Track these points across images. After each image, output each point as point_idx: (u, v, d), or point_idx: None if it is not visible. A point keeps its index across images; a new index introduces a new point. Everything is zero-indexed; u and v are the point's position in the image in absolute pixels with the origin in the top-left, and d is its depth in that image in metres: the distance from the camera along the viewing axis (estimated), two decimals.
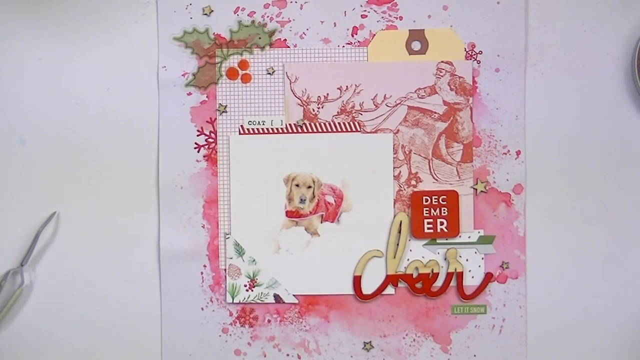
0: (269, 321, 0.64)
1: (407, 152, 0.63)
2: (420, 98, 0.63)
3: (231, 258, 0.63)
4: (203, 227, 0.63)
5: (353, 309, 0.63)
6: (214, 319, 0.64)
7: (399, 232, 0.62)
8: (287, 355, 0.64)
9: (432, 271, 0.63)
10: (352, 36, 0.63)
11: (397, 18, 0.62)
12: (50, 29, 0.63)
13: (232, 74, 0.63)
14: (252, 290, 0.63)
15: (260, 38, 0.63)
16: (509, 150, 0.63)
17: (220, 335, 0.64)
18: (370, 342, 0.64)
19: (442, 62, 0.62)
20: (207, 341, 0.64)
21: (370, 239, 0.63)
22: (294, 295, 0.63)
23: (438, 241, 0.63)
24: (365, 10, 0.62)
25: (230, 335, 0.64)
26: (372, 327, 0.64)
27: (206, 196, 0.63)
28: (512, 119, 0.63)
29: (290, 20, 0.63)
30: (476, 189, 0.63)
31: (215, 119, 0.63)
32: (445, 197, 0.62)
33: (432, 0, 0.62)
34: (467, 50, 0.63)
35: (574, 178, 0.63)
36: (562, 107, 0.63)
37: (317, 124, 0.63)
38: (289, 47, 0.63)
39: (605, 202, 0.63)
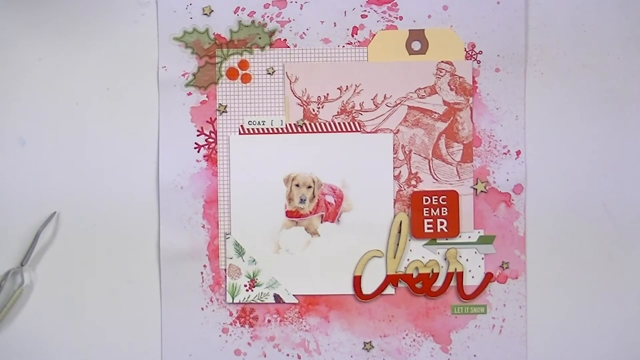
0: (269, 321, 0.64)
1: (407, 152, 0.63)
2: (420, 98, 0.63)
3: (231, 258, 0.63)
4: (203, 227, 0.63)
5: (353, 309, 0.64)
6: (214, 319, 0.64)
7: (399, 232, 0.62)
8: (287, 355, 0.64)
9: (432, 271, 0.63)
10: (352, 36, 0.63)
11: (397, 18, 0.62)
12: (50, 29, 0.63)
13: (232, 74, 0.63)
14: (252, 290, 0.63)
15: (260, 38, 0.63)
16: (509, 150, 0.63)
17: (220, 335, 0.64)
18: (370, 342, 0.64)
19: (442, 62, 0.62)
20: (207, 341, 0.64)
21: (370, 239, 0.63)
22: (294, 295, 0.63)
23: (438, 241, 0.63)
24: (365, 10, 0.62)
25: (230, 335, 0.64)
26: (372, 327, 0.64)
27: (206, 196, 0.63)
28: (512, 119, 0.63)
29: (290, 20, 0.63)
30: (476, 189, 0.63)
31: (215, 119, 0.63)
32: (445, 197, 0.62)
33: (432, 0, 0.62)
34: (467, 50, 0.63)
35: (574, 178, 0.63)
36: (562, 107, 0.63)
37: (317, 124, 0.63)
38: (289, 47, 0.63)
39: (605, 202, 0.63)
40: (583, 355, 0.63)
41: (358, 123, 0.63)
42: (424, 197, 0.62)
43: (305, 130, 0.63)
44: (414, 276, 0.63)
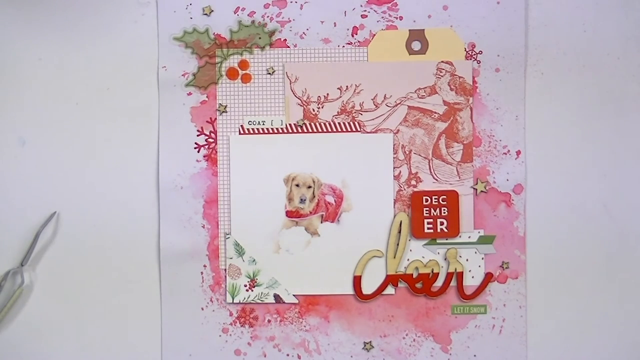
0: (269, 321, 0.64)
1: (407, 152, 0.63)
2: (420, 98, 0.63)
3: (231, 258, 0.63)
4: (203, 227, 0.63)
5: (353, 309, 0.64)
6: (214, 319, 0.64)
7: (399, 232, 0.62)
8: (287, 355, 0.64)
9: (432, 271, 0.63)
10: (352, 36, 0.63)
11: (397, 18, 0.62)
12: (50, 29, 0.63)
13: (232, 74, 0.63)
14: (252, 290, 0.63)
15: (260, 38, 0.63)
16: (509, 150, 0.63)
17: (220, 335, 0.64)
18: (370, 342, 0.64)
19: (442, 62, 0.62)
20: (207, 341, 0.64)
21: (370, 239, 0.63)
22: (294, 295, 0.63)
23: (438, 241, 0.63)
24: (365, 10, 0.62)
25: (230, 335, 0.64)
26: (372, 327, 0.64)
27: (206, 196, 0.63)
28: (512, 119, 0.63)
29: (290, 20, 0.63)
30: (476, 189, 0.63)
31: (215, 119, 0.63)
32: (445, 197, 0.62)
33: (432, 0, 0.62)
34: (467, 50, 0.63)
35: (574, 178, 0.63)
36: (562, 107, 0.63)
37: (317, 124, 0.63)
38: (289, 47, 0.63)
39: (605, 202, 0.63)
40: (583, 355, 0.63)
41: (358, 123, 0.63)
42: (424, 197, 0.62)
43: (305, 130, 0.63)
44: (414, 276, 0.63)
